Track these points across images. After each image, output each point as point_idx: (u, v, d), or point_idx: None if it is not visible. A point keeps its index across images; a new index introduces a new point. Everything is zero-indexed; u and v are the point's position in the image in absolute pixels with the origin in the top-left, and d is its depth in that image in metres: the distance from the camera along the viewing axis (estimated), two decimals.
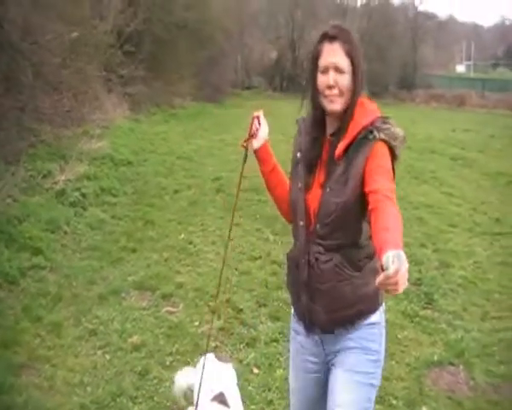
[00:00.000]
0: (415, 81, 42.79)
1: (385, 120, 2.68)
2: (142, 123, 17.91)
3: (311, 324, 2.83)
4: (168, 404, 4.54)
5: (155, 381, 4.85)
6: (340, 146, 2.64)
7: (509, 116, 30.73)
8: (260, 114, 2.99)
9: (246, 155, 3.03)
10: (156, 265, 7.28)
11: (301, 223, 2.77)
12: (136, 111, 18.71)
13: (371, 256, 2.69)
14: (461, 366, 5.34)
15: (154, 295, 6.44)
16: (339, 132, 2.70)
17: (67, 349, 5.27)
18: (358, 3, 47.45)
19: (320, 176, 2.74)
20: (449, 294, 6.91)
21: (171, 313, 6.08)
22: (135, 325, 5.76)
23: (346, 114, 2.68)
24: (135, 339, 5.47)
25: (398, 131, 2.66)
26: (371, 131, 2.60)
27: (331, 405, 2.79)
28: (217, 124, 20.26)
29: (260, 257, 7.59)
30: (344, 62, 2.64)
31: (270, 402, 4.63)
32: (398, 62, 41.36)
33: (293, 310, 3.01)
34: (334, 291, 2.69)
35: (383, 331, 2.86)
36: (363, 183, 2.55)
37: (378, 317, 2.81)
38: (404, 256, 2.08)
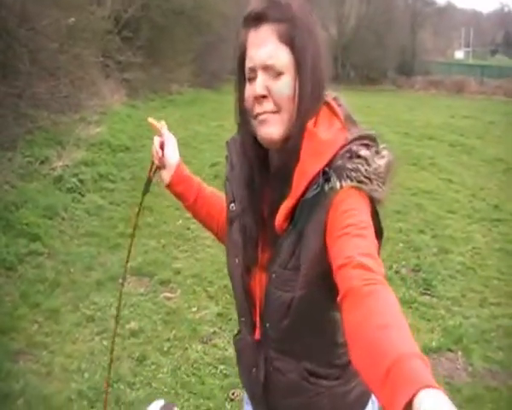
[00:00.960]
0: (413, 67, 42.64)
1: (353, 149, 1.62)
2: (140, 109, 17.83)
3: None
4: (166, 390, 4.54)
5: (153, 367, 4.84)
6: (281, 211, 1.66)
7: (508, 103, 30.64)
8: (162, 127, 2.19)
9: (148, 186, 2.37)
10: (154, 251, 7.26)
11: (243, 319, 1.93)
12: (133, 97, 18.64)
13: None
14: (459, 353, 5.34)
15: (152, 281, 6.43)
16: (277, 186, 1.71)
17: (65, 335, 5.26)
18: None
19: (263, 250, 1.80)
20: (447, 280, 6.90)
21: (168, 298, 6.07)
22: (132, 311, 5.75)
23: (287, 151, 1.67)
24: (132, 325, 5.46)
25: (378, 162, 1.61)
26: (327, 179, 1.59)
27: None
28: (214, 110, 20.17)
29: None
30: (280, 56, 1.62)
31: None
32: (396, 48, 41.22)
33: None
34: (307, 407, 1.80)
35: None
36: (324, 262, 1.55)
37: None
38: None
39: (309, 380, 1.79)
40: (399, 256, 7.44)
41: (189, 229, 8.10)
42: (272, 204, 1.71)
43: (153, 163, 2.21)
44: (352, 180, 1.57)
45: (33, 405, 4.24)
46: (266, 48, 1.61)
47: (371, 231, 1.53)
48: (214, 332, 5.40)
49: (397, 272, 6.95)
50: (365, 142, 1.64)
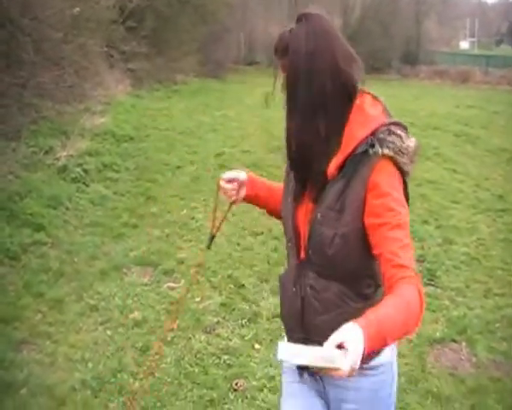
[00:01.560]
0: (418, 57, 42.49)
1: (391, 128, 2.09)
2: (144, 99, 17.83)
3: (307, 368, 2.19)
4: (169, 380, 4.54)
5: (156, 357, 4.85)
6: (334, 163, 2.09)
7: None
8: (225, 175, 2.55)
9: (211, 241, 2.66)
10: (158, 241, 7.26)
11: (290, 244, 2.32)
12: (137, 87, 18.62)
13: (381, 283, 2.13)
14: (463, 343, 5.33)
15: (156, 271, 6.42)
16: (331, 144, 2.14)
17: (69, 325, 5.26)
18: None
19: (312, 193, 2.20)
20: (451, 270, 6.89)
21: (172, 288, 6.07)
22: (136, 301, 5.75)
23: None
24: (136, 315, 5.46)
25: (409, 142, 2.10)
26: (372, 145, 2.05)
27: None
28: (219, 100, 20.17)
29: (262, 233, 7.56)
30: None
31: (272, 378, 4.60)
32: (401, 38, 41.09)
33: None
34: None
35: (395, 370, 2.35)
36: (363, 217, 2.05)
37: (388, 356, 2.26)
38: (359, 351, 1.64)
39: (339, 300, 2.15)
40: None
41: (193, 219, 8.10)
42: (323, 157, 2.12)
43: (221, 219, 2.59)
44: (389, 150, 2.04)
45: (37, 394, 4.24)
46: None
47: (405, 213, 2.07)
48: (218, 322, 5.40)
49: None
50: (400, 126, 2.12)
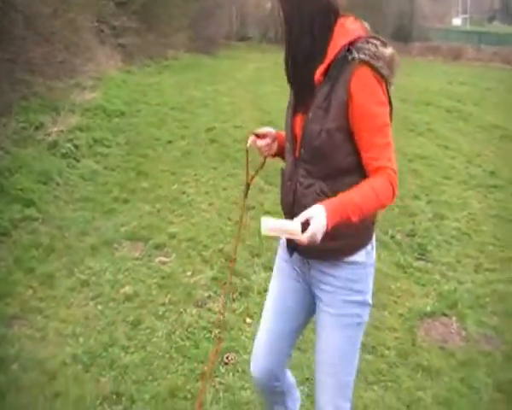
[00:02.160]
0: (411, 33, 42.44)
1: (369, 39, 2.52)
2: (135, 74, 17.74)
3: (296, 249, 2.76)
4: (160, 354, 4.54)
5: (148, 331, 4.85)
6: (319, 70, 2.54)
7: (505, 70, 30.60)
8: (259, 130, 2.96)
9: (247, 190, 3.12)
10: (149, 215, 7.24)
11: (288, 145, 2.78)
12: (128, 63, 18.50)
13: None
14: (453, 317, 5.37)
15: (147, 246, 6.41)
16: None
17: (60, 300, 5.25)
18: None
19: (305, 100, 2.65)
20: (442, 245, 6.93)
21: (163, 263, 6.07)
22: (127, 276, 5.74)
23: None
24: (127, 289, 5.46)
25: (384, 50, 2.50)
26: (350, 51, 2.47)
27: (319, 349, 2.83)
28: (210, 75, 20.10)
29: (254, 207, 7.54)
30: None
31: None
32: (394, 14, 40.96)
33: None
34: None
35: (370, 271, 2.78)
36: (347, 117, 2.49)
37: (364, 256, 2.72)
38: (320, 225, 2.28)
39: (320, 197, 2.53)
40: (395, 221, 7.45)
41: (184, 193, 8.08)
42: (312, 67, 2.56)
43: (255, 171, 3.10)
44: (365, 55, 2.44)
45: (28, 369, 4.24)
46: None
47: (385, 112, 2.53)
48: (209, 296, 5.41)
49: (392, 237, 6.96)
50: (378, 39, 2.53)
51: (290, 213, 2.64)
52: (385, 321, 5.19)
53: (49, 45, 11.66)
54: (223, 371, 4.39)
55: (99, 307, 5.18)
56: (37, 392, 4.01)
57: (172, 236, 6.66)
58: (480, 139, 12.92)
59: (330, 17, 2.56)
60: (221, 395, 4.15)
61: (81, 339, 4.69)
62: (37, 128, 9.29)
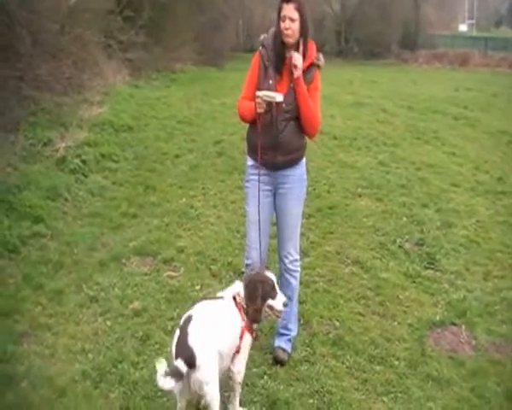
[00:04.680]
0: (417, 41, 42.36)
1: (318, 55, 4.50)
2: (143, 88, 17.79)
3: (272, 166, 4.54)
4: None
5: (157, 346, 4.87)
6: (304, 63, 4.38)
7: None
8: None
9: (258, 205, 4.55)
10: (157, 230, 7.26)
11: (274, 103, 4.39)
12: (136, 77, 18.56)
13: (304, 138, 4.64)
14: (463, 326, 5.36)
15: (155, 260, 6.44)
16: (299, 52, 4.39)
17: (68, 317, 5.28)
18: None
19: (285, 76, 4.44)
20: (451, 254, 6.91)
21: (172, 277, 6.09)
22: (136, 291, 5.77)
23: (303, 45, 4.40)
24: (136, 305, 5.47)
25: (322, 59, 4.54)
26: (317, 63, 4.49)
27: (284, 223, 4.76)
28: (217, 88, 20.12)
29: None
30: (294, 15, 4.30)
31: (272, 365, 4.69)
32: (400, 22, 40.90)
33: (251, 162, 4.65)
34: (289, 142, 4.49)
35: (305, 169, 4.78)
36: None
37: (304, 161, 4.72)
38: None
39: (293, 129, 4.51)
40: (403, 230, 7.44)
41: (192, 207, 8.10)
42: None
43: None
44: (321, 63, 4.50)
45: (37, 386, 4.27)
46: (290, 11, 4.29)
47: (319, 94, 4.59)
48: None
49: (400, 247, 6.94)
50: (320, 54, 4.54)
51: (274, 146, 4.48)
52: (394, 332, 5.18)
53: (56, 61, 11.72)
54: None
55: (108, 322, 5.20)
56: (46, 409, 4.03)
57: (181, 250, 6.67)
58: (487, 145, 12.88)
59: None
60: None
61: (90, 355, 4.71)
62: (45, 144, 9.34)
